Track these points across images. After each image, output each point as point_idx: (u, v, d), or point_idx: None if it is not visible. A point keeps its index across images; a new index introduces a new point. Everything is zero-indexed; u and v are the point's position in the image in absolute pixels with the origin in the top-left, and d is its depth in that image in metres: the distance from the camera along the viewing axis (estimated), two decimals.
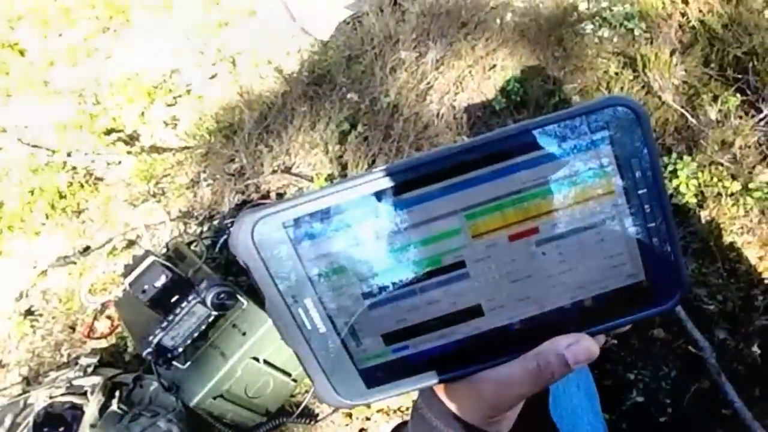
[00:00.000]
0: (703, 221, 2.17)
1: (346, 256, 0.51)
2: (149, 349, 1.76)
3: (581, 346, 0.51)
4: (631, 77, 2.54)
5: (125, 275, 1.83)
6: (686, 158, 2.21)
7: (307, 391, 2.13)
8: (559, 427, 0.72)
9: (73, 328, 2.44)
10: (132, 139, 2.92)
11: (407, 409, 2.00)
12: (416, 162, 0.49)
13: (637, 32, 2.65)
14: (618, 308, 0.53)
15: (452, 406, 0.56)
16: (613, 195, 0.50)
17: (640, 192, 0.49)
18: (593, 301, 0.53)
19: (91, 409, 1.90)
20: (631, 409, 1.92)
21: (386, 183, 0.49)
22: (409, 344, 0.54)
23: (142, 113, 2.98)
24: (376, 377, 0.55)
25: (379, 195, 0.49)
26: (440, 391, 0.57)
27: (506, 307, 0.53)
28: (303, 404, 2.05)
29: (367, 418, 2.06)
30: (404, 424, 0.67)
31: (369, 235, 0.50)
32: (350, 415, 2.07)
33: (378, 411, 2.05)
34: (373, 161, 2.53)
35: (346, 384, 0.55)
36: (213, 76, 3.05)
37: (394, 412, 2.04)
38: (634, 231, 0.51)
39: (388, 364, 0.55)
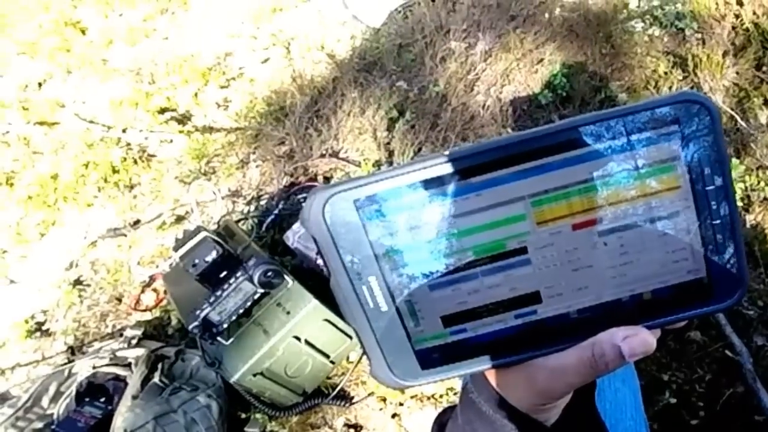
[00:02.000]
0: (748, 225, 2.07)
1: (413, 236, 0.49)
2: (196, 323, 1.69)
3: (638, 339, 0.48)
4: (680, 77, 2.42)
5: (176, 248, 1.77)
6: (734, 161, 2.11)
7: (343, 374, 2.06)
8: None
9: (119, 300, 2.39)
10: (185, 118, 2.86)
11: (441, 396, 1.96)
12: (486, 147, 0.47)
13: (688, 32, 2.52)
14: (676, 303, 0.51)
15: (503, 392, 0.55)
16: (679, 190, 0.48)
17: (707, 188, 0.47)
18: (652, 294, 0.51)
19: (134, 380, 1.85)
20: (663, 410, 1.80)
21: (456, 166, 0.47)
22: (467, 327, 0.52)
23: (196, 94, 2.91)
24: (431, 359, 0.53)
25: (448, 177, 0.48)
26: (491, 376, 0.56)
27: (565, 296, 0.51)
28: (339, 386, 1.97)
29: (401, 404, 1.98)
30: (451, 408, 0.64)
31: (436, 216, 0.48)
32: (384, 400, 2.00)
33: (412, 397, 1.98)
34: (420, 149, 2.45)
35: (402, 364, 0.53)
36: (265, 60, 2.98)
37: (428, 398, 1.97)
38: (698, 227, 0.49)
39: (444, 346, 0.53)
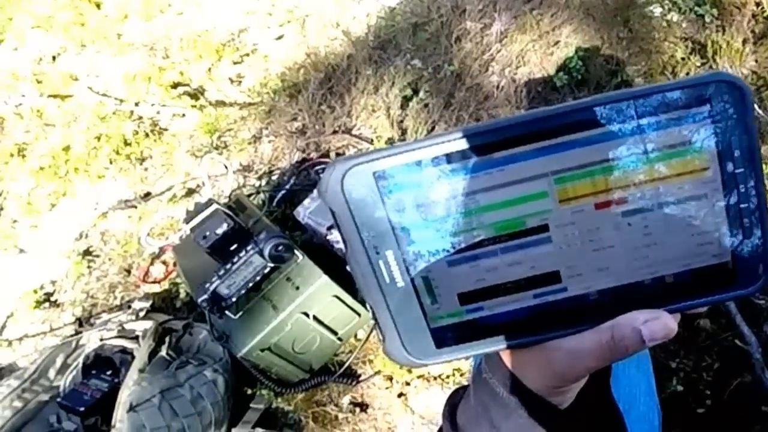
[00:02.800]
0: None
1: (432, 211, 0.47)
2: (205, 296, 1.66)
3: (660, 323, 0.46)
4: (698, 64, 2.34)
5: (187, 221, 1.76)
6: None
7: (350, 351, 2.02)
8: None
9: (128, 272, 2.36)
10: (198, 93, 2.80)
11: (448, 377, 1.92)
12: (510, 122, 0.45)
13: (707, 19, 2.43)
14: (699, 288, 0.49)
15: (518, 373, 0.53)
16: (707, 172, 0.45)
17: (736, 171, 0.45)
18: (674, 278, 0.49)
19: (141, 353, 1.82)
20: (669, 398, 1.75)
21: (479, 140, 0.45)
22: (484, 306, 0.50)
23: (209, 69, 2.85)
24: (446, 337, 0.51)
25: (470, 152, 0.46)
26: (507, 356, 0.54)
27: (585, 276, 0.49)
28: (346, 364, 1.95)
29: (407, 383, 1.95)
30: (463, 388, 0.62)
31: (456, 191, 0.47)
32: (390, 379, 1.96)
33: (418, 377, 1.95)
34: (433, 128, 2.40)
35: (417, 342, 0.51)
36: (280, 37, 2.90)
37: (435, 379, 1.94)
38: (725, 211, 0.46)
39: (460, 324, 0.51)
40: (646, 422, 1.12)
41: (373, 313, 0.51)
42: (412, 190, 0.47)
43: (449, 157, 0.46)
